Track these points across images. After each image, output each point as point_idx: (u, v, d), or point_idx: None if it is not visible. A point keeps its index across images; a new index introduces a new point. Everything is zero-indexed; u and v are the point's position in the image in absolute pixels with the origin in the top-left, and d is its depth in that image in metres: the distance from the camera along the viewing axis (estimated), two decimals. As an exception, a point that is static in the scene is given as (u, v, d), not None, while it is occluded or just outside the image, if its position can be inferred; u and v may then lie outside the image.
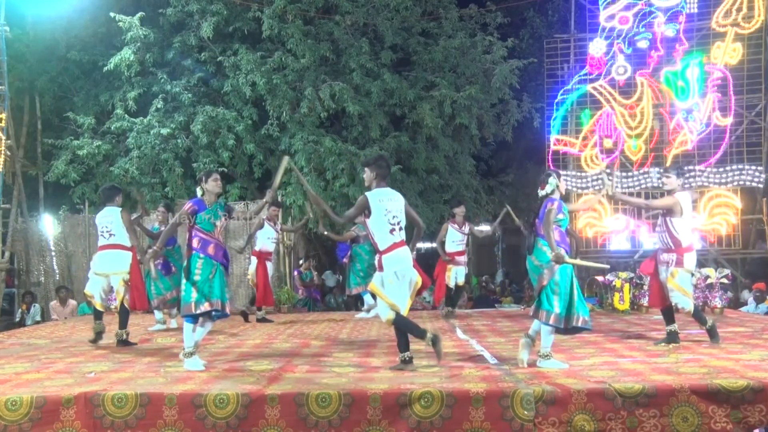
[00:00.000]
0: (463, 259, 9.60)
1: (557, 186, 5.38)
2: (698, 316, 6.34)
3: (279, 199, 12.35)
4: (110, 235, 7.05)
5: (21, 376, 5.17)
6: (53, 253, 13.23)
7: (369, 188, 5.39)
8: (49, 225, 13.54)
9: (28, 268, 13.32)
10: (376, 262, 5.33)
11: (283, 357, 6.00)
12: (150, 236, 8.71)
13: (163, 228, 8.62)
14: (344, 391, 4.25)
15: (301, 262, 13.27)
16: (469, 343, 6.73)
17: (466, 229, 9.52)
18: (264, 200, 6.07)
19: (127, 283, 7.08)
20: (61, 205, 14.08)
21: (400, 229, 5.30)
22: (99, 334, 7.12)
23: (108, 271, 7.09)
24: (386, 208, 5.24)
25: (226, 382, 4.69)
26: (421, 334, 5.23)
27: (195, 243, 5.50)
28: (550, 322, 5.13)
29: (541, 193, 5.46)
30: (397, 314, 5.18)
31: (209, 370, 5.30)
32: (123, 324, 7.08)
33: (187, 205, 5.59)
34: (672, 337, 6.27)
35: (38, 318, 11.91)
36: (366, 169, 5.39)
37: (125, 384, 4.67)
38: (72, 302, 11.62)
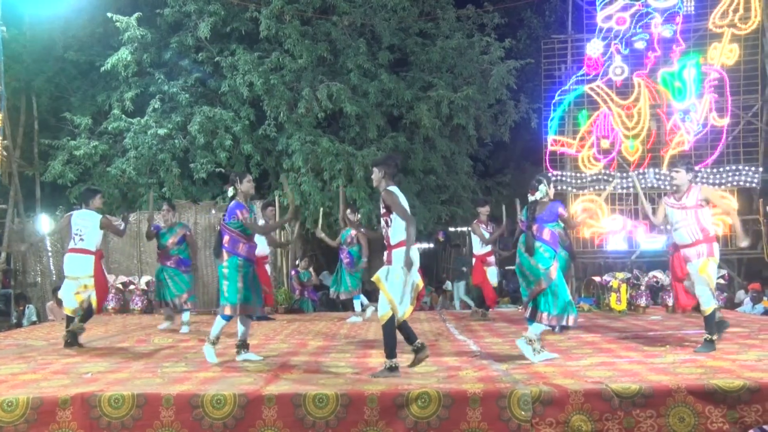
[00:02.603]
0: (492, 259, 9.32)
1: (547, 192, 5.56)
2: (711, 321, 5.91)
3: (277, 198, 12.31)
4: (80, 239, 6.94)
5: (17, 376, 5.15)
6: (50, 254, 13.18)
7: (378, 188, 5.25)
8: (45, 225, 13.49)
9: (24, 269, 13.27)
10: (384, 257, 5.16)
11: (280, 357, 5.99)
12: (148, 236, 8.61)
13: (164, 227, 8.55)
14: (341, 392, 4.25)
15: (298, 261, 13.26)
16: (467, 344, 6.74)
17: (491, 228, 9.19)
18: (286, 218, 6.32)
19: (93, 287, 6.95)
20: (58, 206, 14.02)
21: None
22: (74, 335, 6.87)
23: (78, 275, 6.95)
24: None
25: (224, 383, 4.68)
26: (411, 341, 5.04)
27: (235, 247, 5.60)
28: (549, 323, 5.17)
29: (531, 198, 5.60)
30: (392, 318, 4.93)
31: (207, 371, 5.29)
32: (84, 320, 6.92)
33: (245, 212, 5.67)
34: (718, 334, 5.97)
35: (34, 318, 11.89)
36: (375, 169, 5.21)
37: (122, 385, 4.66)
38: (69, 303, 11.56)
